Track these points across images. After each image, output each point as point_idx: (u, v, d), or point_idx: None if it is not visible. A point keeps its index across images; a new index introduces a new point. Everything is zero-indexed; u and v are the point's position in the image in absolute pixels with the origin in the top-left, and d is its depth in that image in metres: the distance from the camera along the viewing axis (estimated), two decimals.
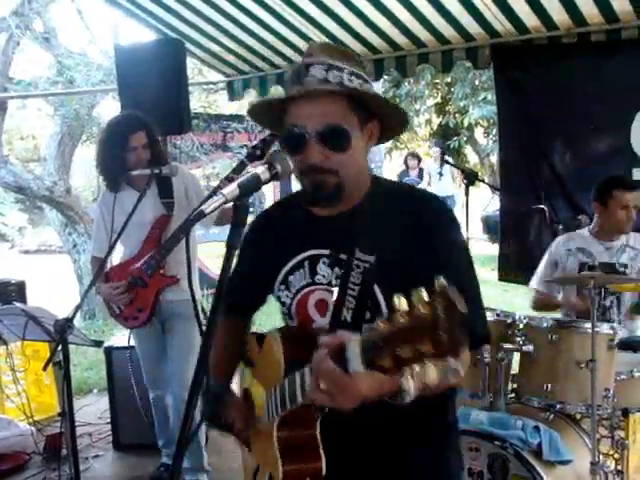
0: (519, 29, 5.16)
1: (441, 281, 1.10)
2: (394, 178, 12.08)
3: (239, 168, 4.02)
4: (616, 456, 3.37)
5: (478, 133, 16.76)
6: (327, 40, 5.74)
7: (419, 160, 14.08)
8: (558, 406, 3.15)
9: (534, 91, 5.21)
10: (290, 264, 1.86)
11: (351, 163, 1.72)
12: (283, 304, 1.91)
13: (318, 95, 1.66)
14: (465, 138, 15.98)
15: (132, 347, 4.38)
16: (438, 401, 1.68)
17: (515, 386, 3.50)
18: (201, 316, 4.07)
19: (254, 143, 4.17)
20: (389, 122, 1.80)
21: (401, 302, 1.14)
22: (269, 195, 9.64)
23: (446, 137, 16.03)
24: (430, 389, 1.23)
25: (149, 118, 4.05)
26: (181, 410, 4.01)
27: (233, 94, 6.89)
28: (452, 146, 15.61)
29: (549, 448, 2.90)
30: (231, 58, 6.47)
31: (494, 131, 13.94)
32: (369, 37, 5.63)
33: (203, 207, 1.44)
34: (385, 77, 10.69)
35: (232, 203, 1.51)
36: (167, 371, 4.13)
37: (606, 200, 4.10)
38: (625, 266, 3.90)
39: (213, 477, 4.29)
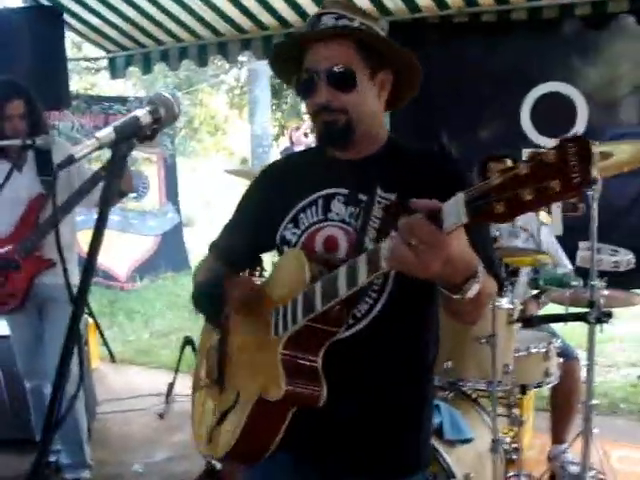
0: (411, 8, 5.11)
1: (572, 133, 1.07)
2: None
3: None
4: (511, 433, 3.36)
5: None
6: (218, 17, 5.53)
7: (305, 135, 13.15)
8: (459, 384, 3.08)
9: (426, 71, 5.14)
10: (303, 202, 1.84)
11: (360, 104, 1.74)
12: (287, 243, 1.85)
13: (328, 39, 1.73)
14: None
15: (3, 337, 4.07)
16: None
17: None
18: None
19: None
20: (402, 76, 1.81)
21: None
22: (154, 183, 9.31)
23: None
24: (480, 296, 1.42)
25: (28, 86, 3.70)
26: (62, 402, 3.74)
27: (115, 71, 6.53)
28: None
29: (450, 427, 2.84)
30: (113, 33, 6.12)
31: None
32: (259, 13, 5.44)
33: (73, 151, 1.22)
34: None
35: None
36: (45, 359, 3.83)
37: (484, 174, 4.09)
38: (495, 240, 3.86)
39: (100, 472, 4.03)
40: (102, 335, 6.01)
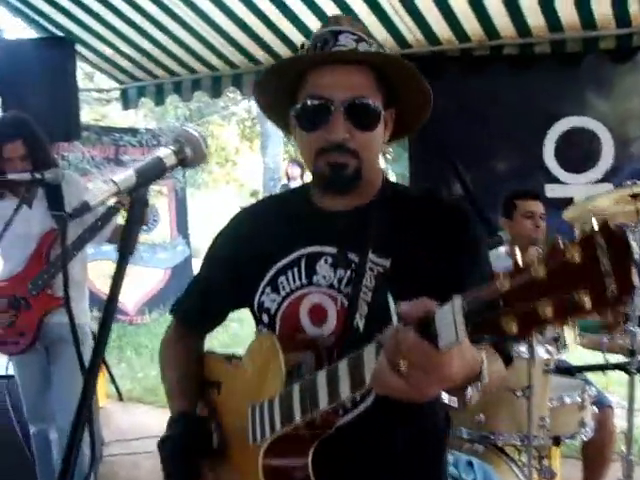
0: (430, 40, 5.01)
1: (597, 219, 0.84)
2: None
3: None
4: None
5: None
6: (233, 49, 5.44)
7: (302, 169, 11.62)
8: (491, 437, 2.90)
9: (445, 104, 5.04)
10: (283, 262, 1.57)
11: (373, 147, 1.53)
12: (266, 311, 1.59)
13: (346, 63, 1.48)
14: None
15: (10, 377, 3.89)
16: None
17: None
18: (90, 341, 3.69)
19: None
20: (407, 110, 1.59)
21: (526, 255, 0.89)
22: (164, 215, 9.19)
23: None
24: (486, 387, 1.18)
25: (30, 123, 3.58)
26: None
27: (127, 102, 6.46)
28: None
29: None
30: (125, 63, 6.04)
31: (391, 151, 13.94)
32: (275, 45, 5.34)
33: (88, 198, 1.07)
34: None
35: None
36: (51, 402, 3.70)
37: (511, 212, 4.00)
38: None
39: None
40: (110, 373, 5.84)
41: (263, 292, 1.59)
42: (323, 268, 1.53)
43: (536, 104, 4.88)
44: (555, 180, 4.79)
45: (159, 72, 6.05)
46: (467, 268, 1.46)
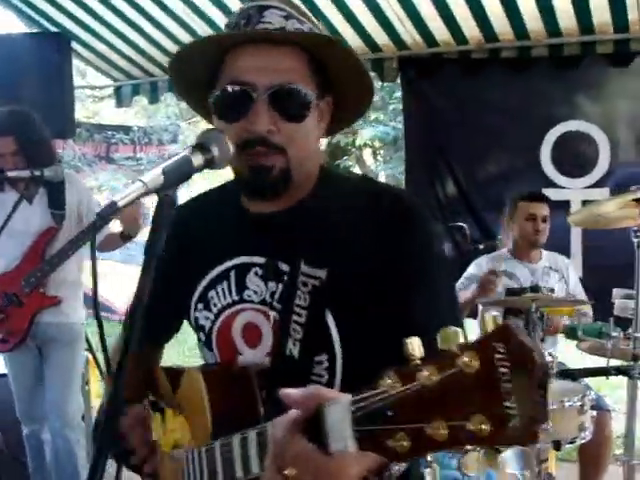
0: (428, 42, 5.00)
1: (497, 318, 0.71)
2: None
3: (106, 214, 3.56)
4: None
5: (367, 154, 16.78)
6: None
7: None
8: None
9: (442, 106, 5.06)
10: (211, 275, 1.42)
11: (303, 140, 1.32)
12: (201, 329, 1.46)
13: (274, 44, 1.28)
14: (356, 158, 15.92)
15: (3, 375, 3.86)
16: None
17: None
18: (84, 340, 3.64)
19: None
20: (345, 101, 1.40)
21: (416, 346, 0.75)
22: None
23: (334, 157, 15.90)
24: None
25: (27, 118, 3.54)
26: (60, 448, 3.57)
27: (121, 100, 6.38)
28: (342, 166, 15.48)
29: None
30: (120, 61, 5.98)
31: (382, 152, 13.93)
32: None
33: (116, 199, 1.04)
34: None
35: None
36: (44, 403, 3.68)
37: (513, 214, 4.04)
38: (552, 290, 3.76)
39: None
40: (101, 372, 5.77)
41: (196, 308, 1.46)
42: (253, 281, 1.38)
43: (533, 107, 4.89)
44: (552, 184, 4.81)
45: (154, 70, 6.00)
46: (413, 278, 1.29)
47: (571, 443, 3.16)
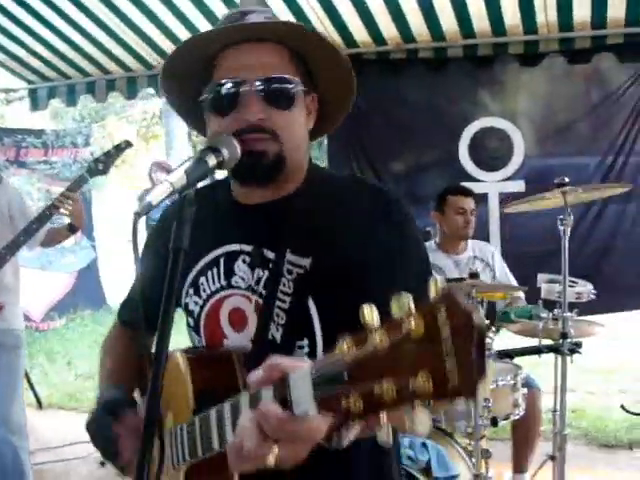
0: (348, 43, 5.15)
1: (440, 282, 0.77)
2: None
3: (78, 182, 3.61)
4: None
5: None
6: (150, 49, 5.38)
7: (168, 173, 10.09)
8: (443, 419, 3.07)
9: (363, 105, 5.20)
10: (202, 262, 1.49)
11: (294, 128, 1.42)
12: (190, 314, 1.53)
13: (259, 42, 1.38)
14: None
15: None
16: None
17: None
18: (25, 346, 3.60)
19: (97, 156, 3.79)
20: (328, 94, 1.49)
21: (372, 313, 0.81)
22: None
23: None
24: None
25: None
26: (4, 454, 3.51)
27: (36, 103, 6.22)
28: None
29: (438, 465, 2.81)
30: (35, 62, 5.84)
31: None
32: None
33: (149, 198, 1.12)
34: None
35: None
36: None
37: (442, 207, 4.17)
38: (477, 275, 3.92)
39: None
40: (29, 380, 5.65)
41: (187, 294, 1.53)
42: (241, 268, 1.45)
43: (451, 105, 5.14)
44: (470, 178, 5.05)
45: (71, 72, 5.90)
46: (397, 261, 1.38)
47: (506, 419, 3.35)
